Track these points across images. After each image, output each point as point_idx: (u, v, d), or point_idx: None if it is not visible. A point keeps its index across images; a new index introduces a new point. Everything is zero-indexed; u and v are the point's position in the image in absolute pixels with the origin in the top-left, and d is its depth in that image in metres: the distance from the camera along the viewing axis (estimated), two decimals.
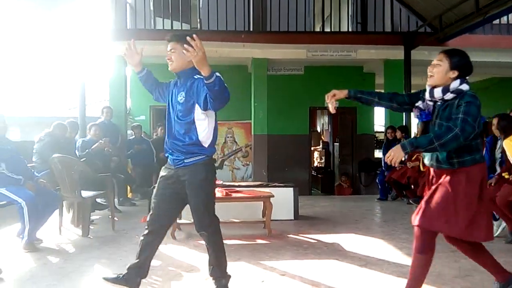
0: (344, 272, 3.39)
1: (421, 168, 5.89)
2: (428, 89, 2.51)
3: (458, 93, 2.40)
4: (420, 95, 2.62)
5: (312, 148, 13.39)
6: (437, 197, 2.41)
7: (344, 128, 10.42)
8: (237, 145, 9.51)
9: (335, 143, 11.58)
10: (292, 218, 5.49)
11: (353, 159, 9.75)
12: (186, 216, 4.81)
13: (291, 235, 4.66)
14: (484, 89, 11.44)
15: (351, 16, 9.13)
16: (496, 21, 7.91)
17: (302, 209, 6.20)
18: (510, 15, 8.09)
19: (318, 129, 14.34)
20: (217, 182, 5.89)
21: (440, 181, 2.46)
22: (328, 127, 12.86)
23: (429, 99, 2.50)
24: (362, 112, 9.55)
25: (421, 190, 5.50)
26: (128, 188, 7.20)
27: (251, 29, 7.87)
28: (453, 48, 2.55)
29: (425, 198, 2.49)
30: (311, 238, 4.54)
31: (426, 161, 2.59)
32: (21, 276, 3.30)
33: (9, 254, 3.88)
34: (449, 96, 2.42)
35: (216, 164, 9.45)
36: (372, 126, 9.80)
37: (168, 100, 2.79)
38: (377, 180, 7.49)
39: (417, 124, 2.62)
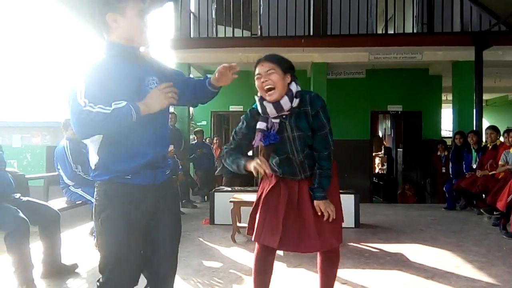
0: (409, 284, 3.25)
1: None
2: (271, 105, 2.16)
3: (300, 96, 2.19)
4: (247, 123, 2.29)
5: (374, 154, 13.01)
6: None
7: (408, 132, 10.00)
8: None
9: (398, 149, 11.14)
10: (353, 226, 5.35)
11: (418, 166, 9.31)
12: (245, 219, 4.90)
13: (352, 243, 4.55)
14: None
15: (416, 16, 8.77)
16: None
17: (363, 216, 6.03)
18: None
19: (380, 134, 13.88)
20: None
21: None
22: (391, 132, 12.41)
23: (276, 115, 2.18)
24: (428, 116, 9.14)
25: (491, 198, 5.15)
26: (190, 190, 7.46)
27: (311, 34, 7.83)
28: (269, 54, 2.24)
29: None
30: (373, 247, 4.40)
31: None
32: (94, 271, 3.53)
33: (83, 251, 4.18)
34: (296, 102, 2.17)
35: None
36: (439, 131, 9.31)
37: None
38: (444, 189, 7.09)
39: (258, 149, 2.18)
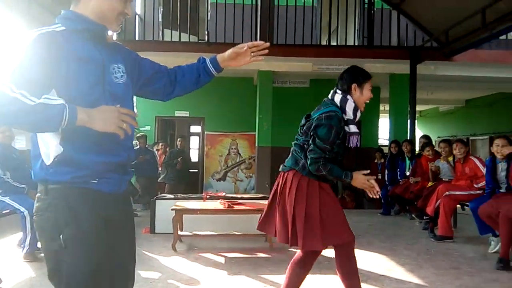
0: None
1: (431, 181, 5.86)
2: (359, 113, 2.46)
3: None
4: (340, 129, 2.39)
5: None
6: None
7: None
8: (240, 156, 9.52)
9: None
10: None
11: None
12: (188, 228, 4.82)
13: (292, 249, 4.62)
14: (489, 105, 11.43)
15: (357, 30, 9.18)
16: (503, 37, 7.93)
17: None
18: None
19: None
20: (220, 193, 5.92)
21: None
22: None
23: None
24: (367, 125, 9.54)
25: (422, 203, 5.47)
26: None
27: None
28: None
29: None
30: None
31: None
32: (20, 286, 3.30)
33: (10, 264, 3.89)
34: None
35: (219, 176, 9.47)
36: (377, 140, 9.77)
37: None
38: (380, 195, 7.43)
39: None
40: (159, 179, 7.98)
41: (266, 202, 5.13)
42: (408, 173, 6.71)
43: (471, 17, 5.93)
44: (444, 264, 4.07)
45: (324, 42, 10.17)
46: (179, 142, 8.19)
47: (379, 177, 7.87)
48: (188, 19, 7.82)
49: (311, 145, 2.37)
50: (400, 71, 7.98)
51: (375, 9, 8.05)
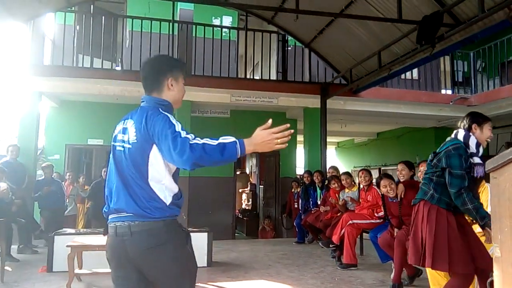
0: None
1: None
2: (481, 148, 2.89)
3: None
4: (468, 154, 2.83)
5: (241, 190, 13.43)
6: None
7: (269, 170, 10.62)
8: None
9: (260, 186, 11.71)
10: (205, 265, 5.35)
11: (276, 202, 9.89)
12: (90, 265, 4.51)
13: (199, 284, 4.51)
14: (397, 138, 12.41)
15: (275, 65, 9.58)
16: (403, 76, 8.75)
17: (219, 254, 6.10)
18: (413, 72, 9.01)
19: (247, 171, 14.47)
20: None
21: None
22: (256, 169, 13.03)
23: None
24: (285, 155, 9.84)
25: (329, 232, 5.63)
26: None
27: None
28: None
29: None
30: (219, 287, 4.44)
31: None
32: None
33: None
34: None
35: None
36: (294, 169, 10.08)
37: None
38: (294, 223, 7.63)
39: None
40: (66, 212, 7.45)
41: None
42: (319, 202, 6.97)
43: (369, 58, 6.48)
44: None
45: (248, 75, 10.46)
46: (104, 172, 7.62)
47: (295, 206, 8.08)
48: (101, 45, 7.62)
49: (449, 179, 2.76)
50: (312, 105, 8.40)
51: (289, 46, 8.48)
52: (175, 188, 1.87)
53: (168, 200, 1.83)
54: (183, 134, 1.73)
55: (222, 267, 5.38)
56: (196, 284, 4.09)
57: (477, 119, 2.95)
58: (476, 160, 2.83)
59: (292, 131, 1.85)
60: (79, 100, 8.34)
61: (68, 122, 8.60)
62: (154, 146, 1.81)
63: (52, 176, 7.19)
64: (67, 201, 7.51)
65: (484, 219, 2.66)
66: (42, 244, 6.82)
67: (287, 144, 1.83)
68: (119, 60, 7.54)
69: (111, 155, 1.96)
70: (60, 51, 7.65)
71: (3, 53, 7.19)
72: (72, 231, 5.43)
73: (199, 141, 1.69)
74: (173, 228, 1.86)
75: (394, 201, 4.53)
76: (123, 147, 1.89)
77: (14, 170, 6.45)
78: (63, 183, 7.54)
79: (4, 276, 4.50)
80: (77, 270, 4.33)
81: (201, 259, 5.31)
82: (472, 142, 2.86)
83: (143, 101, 2.00)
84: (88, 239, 4.64)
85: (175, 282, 1.84)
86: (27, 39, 7.46)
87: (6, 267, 4.77)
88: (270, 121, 1.80)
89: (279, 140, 1.77)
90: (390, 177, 4.62)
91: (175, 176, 1.89)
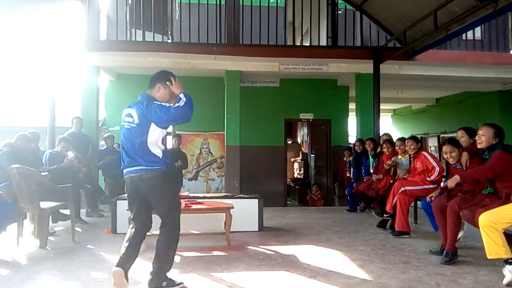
0: (291, 284, 3.43)
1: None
2: None
3: None
4: None
5: (293, 159, 13.50)
6: None
7: (319, 139, 10.54)
8: (212, 156, 9.55)
9: (311, 155, 11.67)
10: (257, 229, 5.53)
11: (328, 171, 9.84)
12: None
13: (251, 247, 4.69)
14: (457, 103, 11.71)
15: (325, 30, 9.29)
16: (463, 37, 8.16)
17: (269, 220, 6.26)
18: (476, 31, 8.36)
19: (299, 140, 14.45)
20: (183, 193, 5.94)
21: None
22: (307, 138, 12.98)
23: None
24: (336, 124, 9.69)
25: (390, 207, 5.38)
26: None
27: (224, 42, 7.96)
28: None
29: None
30: (270, 250, 4.57)
31: None
32: None
33: None
34: None
35: (191, 175, 9.47)
36: (346, 138, 9.91)
37: None
38: (346, 192, 7.58)
39: None
40: None
41: (227, 201, 5.22)
42: (371, 171, 6.84)
43: (424, 19, 6.08)
44: (395, 258, 4.19)
45: (298, 43, 10.27)
46: (175, 141, 7.90)
47: (347, 174, 8.01)
48: (152, 19, 7.80)
49: None
50: (365, 70, 8.12)
51: (340, 10, 8.16)
52: (162, 147, 3.13)
53: (160, 154, 3.09)
54: (167, 105, 3.07)
55: (273, 232, 5.52)
56: (248, 247, 4.27)
57: None
58: None
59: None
60: (134, 74, 8.68)
61: (125, 95, 8.99)
62: (152, 123, 3.03)
63: (113, 146, 7.65)
64: None
65: None
66: (107, 208, 7.36)
67: None
68: (170, 32, 7.69)
69: (122, 132, 3.17)
70: (114, 26, 7.96)
71: (62, 31, 7.53)
72: None
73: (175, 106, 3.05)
74: (165, 175, 3.13)
75: (458, 167, 4.33)
76: (130, 126, 3.08)
77: (79, 141, 6.95)
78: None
79: (75, 236, 4.95)
80: None
81: (252, 223, 5.51)
82: None
83: (140, 96, 3.18)
84: None
85: (166, 203, 3.16)
86: (83, 16, 7.80)
87: (77, 228, 5.24)
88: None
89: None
90: (454, 142, 4.36)
91: (164, 141, 3.17)
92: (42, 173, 5.14)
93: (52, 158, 5.93)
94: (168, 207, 3.16)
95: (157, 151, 3.08)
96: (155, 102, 3.09)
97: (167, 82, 3.19)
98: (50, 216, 5.08)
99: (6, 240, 4.68)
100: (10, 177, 4.63)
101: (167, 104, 3.08)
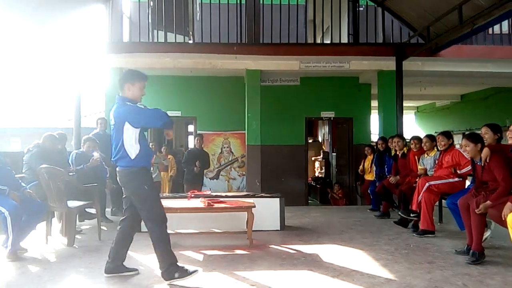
0: (314, 283, 3.42)
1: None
2: None
3: None
4: None
5: (313, 158, 13.42)
6: None
7: (341, 138, 10.44)
8: (233, 155, 9.60)
9: (333, 153, 11.58)
10: (278, 228, 5.53)
11: (350, 169, 9.75)
12: (172, 226, 4.88)
13: (273, 246, 4.70)
14: (483, 99, 11.40)
15: (346, 28, 9.21)
16: (490, 31, 7.93)
17: (291, 219, 6.25)
18: (503, 25, 8.11)
19: (320, 139, 14.35)
20: (206, 192, 6.00)
21: None
22: (328, 137, 12.88)
23: None
24: (358, 122, 9.59)
25: (417, 205, 5.23)
26: None
27: (245, 41, 7.99)
28: None
29: None
30: (292, 249, 4.57)
31: None
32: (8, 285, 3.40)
33: None
34: None
35: (213, 174, 9.55)
36: (368, 136, 9.80)
37: None
38: (369, 191, 7.49)
39: None
40: None
41: (249, 200, 5.24)
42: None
43: (448, 13, 5.95)
44: (419, 258, 4.12)
45: (319, 41, 10.21)
46: (197, 141, 7.76)
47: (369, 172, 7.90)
48: (174, 20, 7.90)
49: None
50: (387, 67, 8.00)
51: (361, 6, 8.07)
52: (137, 149, 3.32)
53: (133, 156, 3.30)
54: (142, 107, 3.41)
55: (295, 231, 5.51)
56: (270, 246, 4.27)
57: None
58: None
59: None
60: (156, 75, 8.79)
61: (147, 95, 9.09)
62: (126, 123, 3.27)
63: None
64: (152, 169, 8.08)
65: None
66: None
67: None
68: (191, 33, 7.77)
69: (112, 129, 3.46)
70: (136, 28, 8.09)
71: (87, 33, 7.71)
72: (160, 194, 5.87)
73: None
74: (141, 173, 3.36)
75: (478, 163, 4.23)
76: (113, 125, 3.37)
77: (104, 141, 7.06)
78: (187, 151, 8.10)
79: (101, 235, 5.06)
80: None
81: (274, 222, 5.51)
82: None
83: (116, 100, 3.45)
84: (171, 202, 5.00)
85: (138, 201, 3.40)
86: (106, 19, 7.96)
87: (102, 227, 5.35)
88: None
89: None
90: (471, 137, 4.25)
91: (141, 141, 3.36)
92: (70, 173, 5.27)
93: (78, 158, 6.07)
94: (141, 204, 3.39)
95: (132, 150, 3.30)
96: (128, 103, 3.37)
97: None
98: (77, 215, 5.21)
99: (35, 238, 4.83)
100: (39, 177, 4.78)
101: (142, 106, 3.40)
